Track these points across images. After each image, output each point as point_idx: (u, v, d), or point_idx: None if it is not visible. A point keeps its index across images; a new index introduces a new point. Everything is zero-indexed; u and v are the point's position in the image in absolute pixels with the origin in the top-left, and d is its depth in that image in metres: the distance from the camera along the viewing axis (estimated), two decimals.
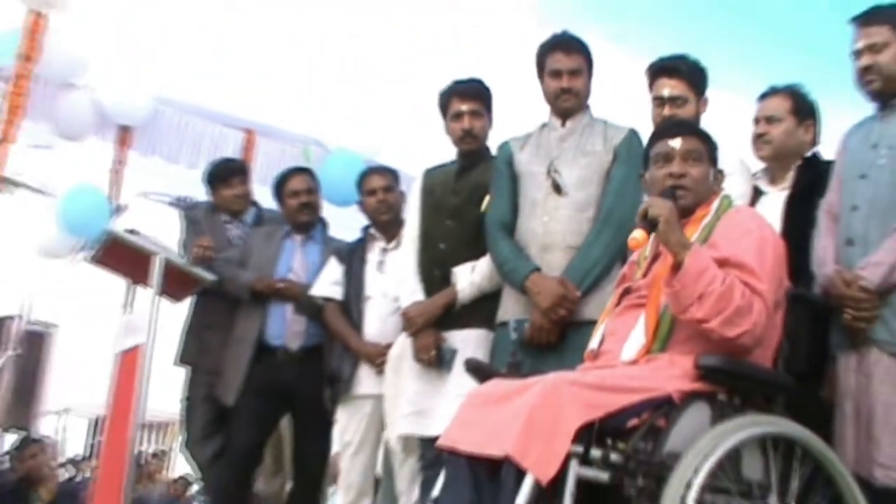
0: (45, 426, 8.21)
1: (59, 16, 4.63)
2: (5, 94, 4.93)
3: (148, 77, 5.46)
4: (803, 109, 3.19)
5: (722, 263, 2.39)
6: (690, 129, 2.74)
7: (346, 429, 3.84)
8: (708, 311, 2.33)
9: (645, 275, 2.62)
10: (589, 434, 2.19)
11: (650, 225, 2.41)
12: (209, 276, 3.92)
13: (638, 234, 2.41)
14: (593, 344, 2.64)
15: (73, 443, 12.43)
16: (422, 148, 4.23)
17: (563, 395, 2.21)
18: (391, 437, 3.57)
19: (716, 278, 2.35)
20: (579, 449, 2.17)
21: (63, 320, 6.43)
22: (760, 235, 2.50)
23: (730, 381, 2.36)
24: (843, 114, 3.08)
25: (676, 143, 2.63)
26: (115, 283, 4.08)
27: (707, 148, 2.67)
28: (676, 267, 2.38)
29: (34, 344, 5.88)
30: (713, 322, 2.33)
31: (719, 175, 2.70)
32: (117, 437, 3.66)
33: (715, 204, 2.61)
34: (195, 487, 9.96)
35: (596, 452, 2.20)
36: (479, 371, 2.67)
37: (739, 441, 2.26)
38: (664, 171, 2.62)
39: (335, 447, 4.25)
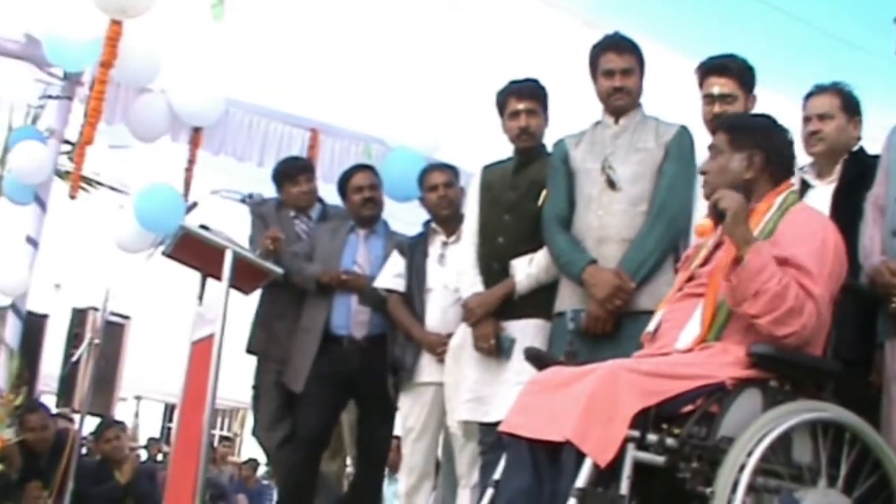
0: (120, 411, 8.32)
1: (134, 23, 4.70)
2: (84, 98, 5.04)
3: (217, 80, 5.48)
4: (851, 106, 3.20)
5: (782, 262, 2.40)
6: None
7: (409, 415, 3.89)
8: (761, 308, 2.35)
9: (705, 262, 2.63)
10: (645, 419, 2.24)
11: (719, 215, 2.45)
12: (277, 270, 3.95)
13: (706, 222, 2.47)
14: (650, 327, 2.66)
15: (147, 427, 12.76)
16: (480, 145, 4.25)
17: (621, 381, 2.25)
18: (452, 423, 3.63)
19: (773, 277, 2.35)
20: (636, 434, 2.22)
21: (137, 311, 6.53)
22: (823, 237, 2.49)
23: (781, 369, 2.39)
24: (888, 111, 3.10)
25: None
26: (187, 276, 4.15)
27: None
28: (737, 261, 2.40)
29: (112, 334, 6.01)
30: (764, 319, 2.36)
31: None
32: (191, 422, 3.69)
33: (780, 198, 2.60)
34: (263, 470, 10.23)
35: (652, 437, 2.24)
36: (538, 359, 2.70)
37: (791, 426, 2.29)
38: None
39: (397, 432, 4.31)
